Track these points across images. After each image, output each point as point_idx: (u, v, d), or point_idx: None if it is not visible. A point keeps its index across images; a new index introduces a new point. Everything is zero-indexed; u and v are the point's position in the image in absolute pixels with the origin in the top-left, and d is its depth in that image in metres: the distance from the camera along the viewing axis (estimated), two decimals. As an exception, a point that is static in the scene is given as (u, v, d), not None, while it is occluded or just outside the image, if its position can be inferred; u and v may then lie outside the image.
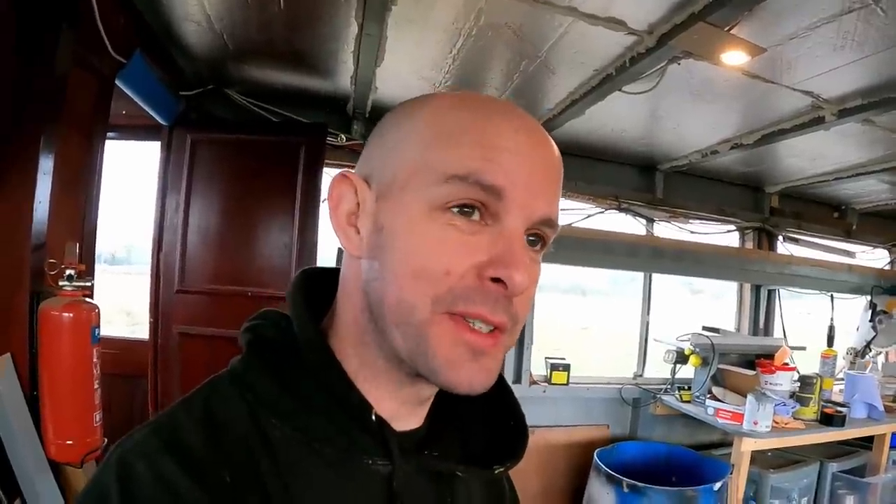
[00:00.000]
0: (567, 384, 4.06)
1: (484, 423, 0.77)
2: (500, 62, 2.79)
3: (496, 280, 0.59)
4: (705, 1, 2.04)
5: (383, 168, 0.64)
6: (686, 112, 3.27)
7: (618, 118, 3.48)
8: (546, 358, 4.16)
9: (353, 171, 0.68)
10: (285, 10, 2.37)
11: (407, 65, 2.85)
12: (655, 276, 4.69)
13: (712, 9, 2.04)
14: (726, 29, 2.16)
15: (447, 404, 0.75)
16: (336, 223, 0.66)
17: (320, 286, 0.72)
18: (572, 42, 2.49)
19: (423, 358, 0.60)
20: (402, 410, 0.69)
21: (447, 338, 0.60)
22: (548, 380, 4.06)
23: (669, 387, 4.11)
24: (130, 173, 3.84)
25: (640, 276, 4.73)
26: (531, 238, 0.64)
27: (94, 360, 1.90)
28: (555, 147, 0.65)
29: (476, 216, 0.60)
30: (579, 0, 2.16)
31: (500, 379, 0.76)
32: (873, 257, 5.57)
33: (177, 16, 2.48)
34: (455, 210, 0.59)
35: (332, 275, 0.73)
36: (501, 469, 0.72)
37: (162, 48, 2.76)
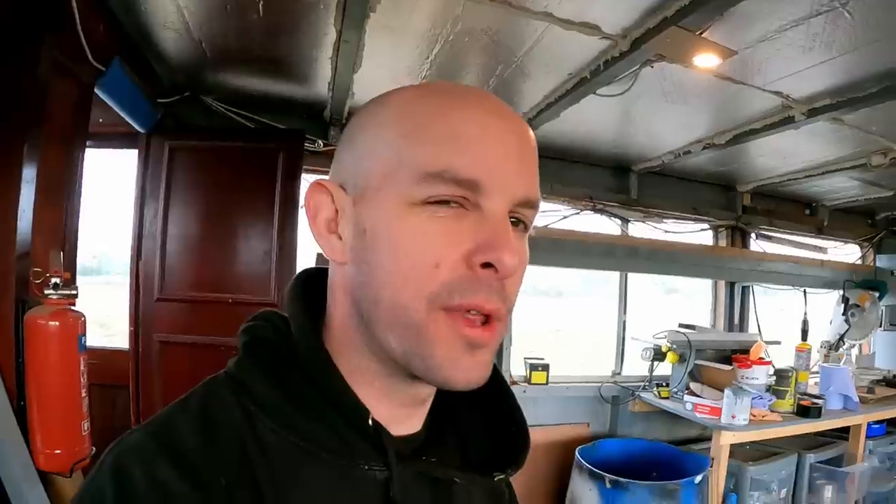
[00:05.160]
0: (546, 384, 4.08)
1: (484, 429, 0.76)
2: (476, 67, 2.81)
3: (486, 265, 0.58)
4: (677, 6, 2.07)
5: (357, 171, 0.63)
6: (659, 113, 3.31)
7: (592, 121, 3.52)
8: (525, 358, 4.19)
9: (326, 178, 0.67)
10: (264, 18, 2.37)
11: (384, 71, 2.86)
12: (631, 276, 4.74)
13: (684, 13, 2.07)
14: (698, 33, 2.19)
15: (446, 409, 0.75)
16: (316, 232, 0.66)
17: (320, 287, 0.71)
18: (548, 47, 2.51)
19: (420, 358, 0.60)
20: (400, 413, 0.68)
21: (445, 335, 0.59)
22: (527, 380, 4.08)
23: (647, 384, 4.15)
24: (101, 182, 3.79)
25: (613, 276, 4.77)
26: (512, 220, 0.62)
27: (81, 368, 1.88)
28: (526, 126, 0.65)
29: (455, 205, 0.59)
30: (554, 5, 2.17)
31: (502, 384, 0.76)
32: (844, 253, 5.67)
33: (155, 23, 2.47)
34: (434, 204, 0.59)
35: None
36: (501, 476, 0.71)
37: (140, 55, 2.74)
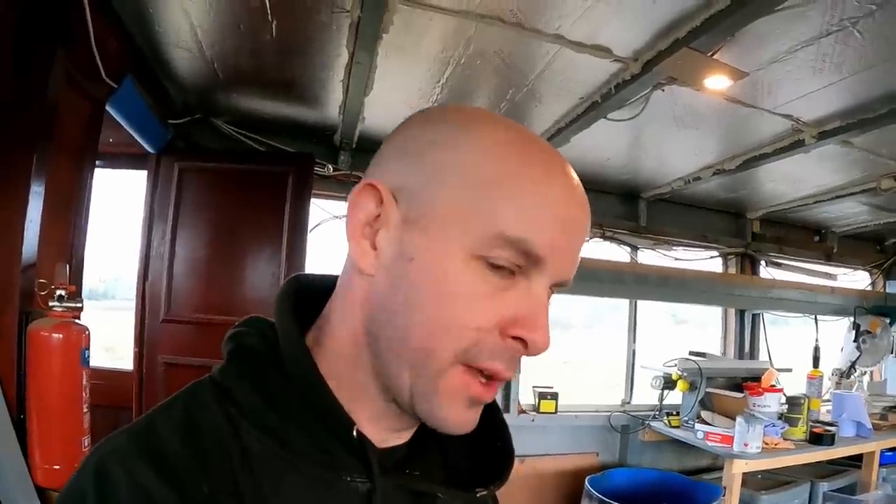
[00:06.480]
0: (555, 412, 4.06)
1: (469, 444, 0.75)
2: (487, 91, 2.81)
3: (517, 338, 0.59)
4: (689, 27, 2.07)
5: (420, 192, 0.61)
6: (669, 139, 3.31)
7: (602, 146, 3.51)
8: (534, 387, 4.17)
9: (379, 178, 0.63)
10: (277, 38, 2.38)
11: (395, 94, 2.86)
12: (640, 306, 4.73)
13: (696, 34, 2.06)
14: (709, 54, 2.19)
15: None
16: (350, 231, 0.63)
17: (311, 294, 0.71)
18: (559, 70, 2.51)
19: (426, 401, 0.61)
20: (387, 434, 0.68)
21: (455, 389, 0.60)
22: (536, 409, 4.06)
23: (658, 413, 4.12)
24: (111, 205, 3.79)
25: (621, 307, 4.77)
26: None
27: (84, 382, 1.84)
28: (588, 206, 0.65)
29: (507, 271, 0.59)
30: (567, 27, 2.18)
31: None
32: (854, 279, 5.65)
33: (168, 42, 2.48)
34: (489, 264, 0.58)
35: (324, 282, 0.72)
36: (484, 492, 0.71)
37: (152, 74, 2.75)
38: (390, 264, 0.61)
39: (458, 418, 0.62)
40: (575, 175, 0.63)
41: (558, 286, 0.63)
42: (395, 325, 0.60)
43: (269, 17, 2.23)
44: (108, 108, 2.36)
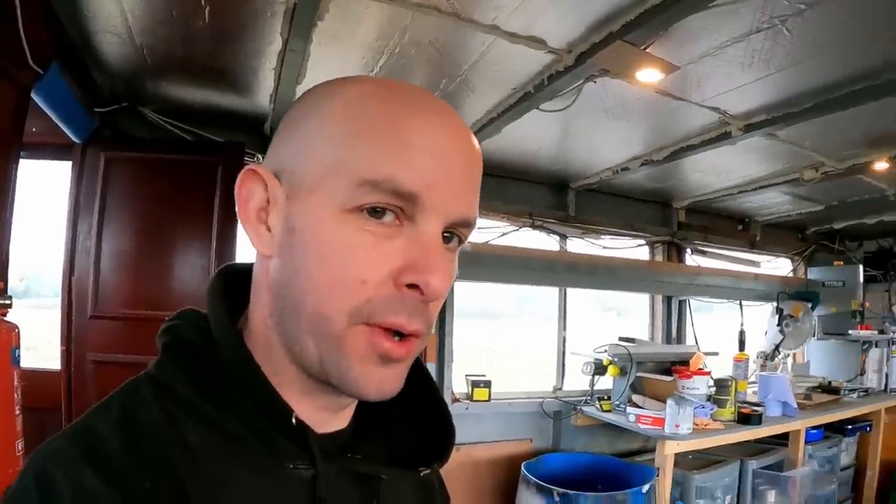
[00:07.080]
0: (489, 400, 4.10)
1: (411, 425, 0.77)
2: (420, 80, 2.80)
3: (412, 286, 0.58)
4: (623, 20, 2.12)
5: (294, 164, 0.62)
6: (599, 130, 3.37)
7: (533, 137, 3.56)
8: (467, 375, 4.20)
9: (261, 164, 0.66)
10: (209, 25, 2.32)
11: (328, 83, 2.81)
12: (569, 293, 4.81)
13: (630, 28, 2.12)
14: (642, 48, 2.25)
15: (372, 405, 0.74)
16: (245, 220, 0.64)
17: (241, 283, 0.70)
18: (493, 60, 2.53)
19: (336, 368, 0.60)
20: (322, 415, 0.68)
21: (361, 349, 0.59)
22: (469, 397, 4.08)
23: (589, 398, 4.21)
24: (31, 198, 3.62)
25: (549, 297, 4.85)
26: (446, 235, 0.62)
27: (15, 383, 1.76)
28: (475, 142, 0.64)
29: (389, 218, 0.58)
30: (503, 18, 2.20)
31: (428, 380, 0.78)
32: (777, 266, 5.91)
33: (97, 28, 2.38)
34: (367, 213, 0.58)
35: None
36: (427, 471, 0.72)
37: (78, 60, 2.64)
38: (280, 240, 0.62)
39: (373, 378, 0.61)
40: (450, 111, 0.63)
41: (457, 226, 0.63)
42: (291, 297, 0.61)
43: (203, 3, 2.17)
44: (32, 95, 2.26)
